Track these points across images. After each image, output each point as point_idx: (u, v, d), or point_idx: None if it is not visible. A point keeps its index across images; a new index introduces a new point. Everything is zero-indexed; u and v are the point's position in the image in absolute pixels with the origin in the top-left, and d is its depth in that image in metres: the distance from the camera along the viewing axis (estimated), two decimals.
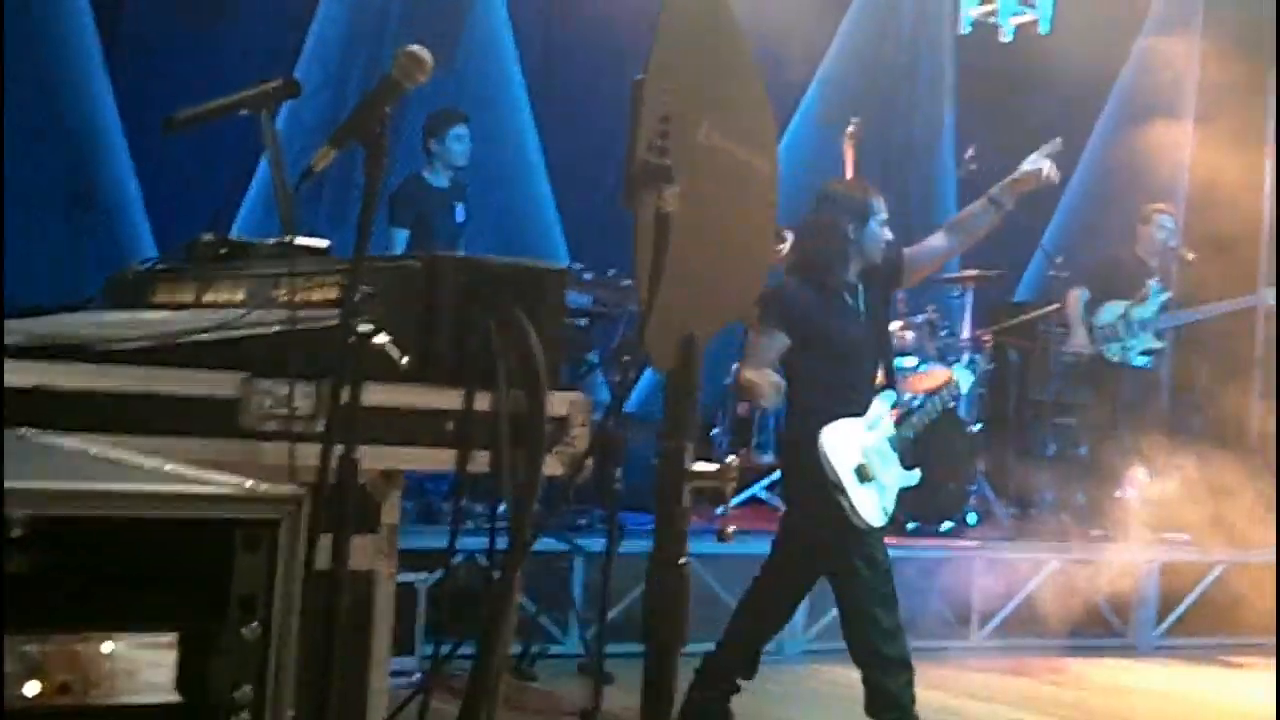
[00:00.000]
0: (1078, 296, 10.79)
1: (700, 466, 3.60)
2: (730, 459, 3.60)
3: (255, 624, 1.88)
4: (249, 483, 1.93)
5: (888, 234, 6.24)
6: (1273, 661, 8.24)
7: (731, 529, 3.99)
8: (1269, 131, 13.90)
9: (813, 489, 6.02)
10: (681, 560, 3.58)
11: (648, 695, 3.59)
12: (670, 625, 3.56)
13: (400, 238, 8.54)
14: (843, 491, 5.94)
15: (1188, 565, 10.09)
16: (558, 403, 3.16)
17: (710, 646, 6.32)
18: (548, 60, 11.47)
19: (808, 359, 6.14)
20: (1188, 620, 10.02)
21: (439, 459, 3.12)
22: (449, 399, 3.07)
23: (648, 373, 11.39)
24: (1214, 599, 10.05)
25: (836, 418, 6.05)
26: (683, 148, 3.23)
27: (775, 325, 6.00)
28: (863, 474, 6.03)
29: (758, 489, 9.69)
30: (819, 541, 6.11)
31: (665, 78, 3.18)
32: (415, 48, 3.02)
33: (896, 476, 6.26)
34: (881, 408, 6.29)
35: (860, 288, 6.21)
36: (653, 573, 3.63)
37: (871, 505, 6.03)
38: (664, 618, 3.58)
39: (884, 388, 6.39)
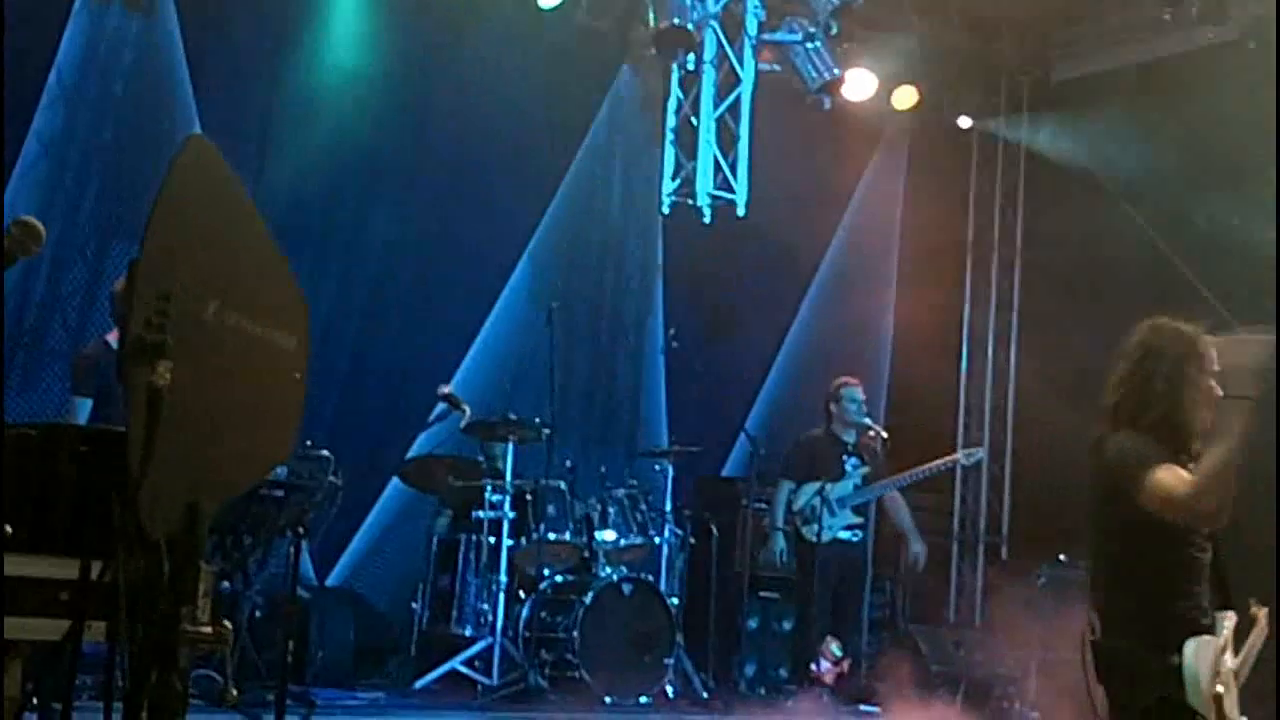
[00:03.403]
0: (783, 487, 11.07)
1: (200, 628, 3.46)
2: (226, 624, 3.51)
3: None
4: None
5: None
6: None
7: None
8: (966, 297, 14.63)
9: None
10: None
11: None
12: None
13: (83, 407, 8.28)
14: None
15: None
16: None
17: None
18: None
19: None
20: None
21: (53, 629, 3.06)
22: (64, 568, 3.03)
23: (354, 545, 11.40)
24: None
25: None
26: (186, 325, 3.24)
27: None
28: None
29: (456, 662, 9.60)
30: None
31: (165, 256, 3.21)
32: (30, 218, 3.04)
33: None
34: None
35: None
36: None
37: None
38: None
39: None
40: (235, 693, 5.68)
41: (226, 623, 3.42)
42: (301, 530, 7.82)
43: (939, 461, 11.45)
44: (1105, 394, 5.24)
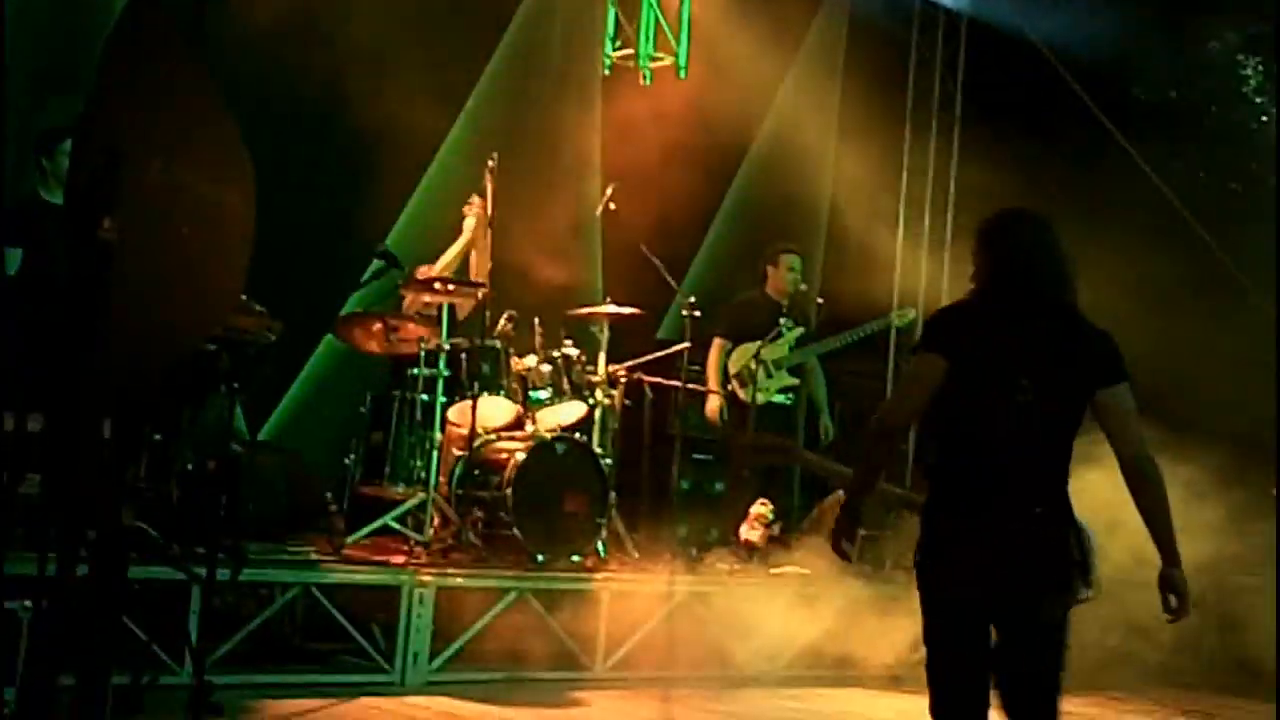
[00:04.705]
0: (719, 346, 11.14)
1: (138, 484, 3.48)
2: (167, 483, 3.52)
3: None
4: None
5: None
6: None
7: None
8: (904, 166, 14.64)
9: None
10: None
11: None
12: None
13: (13, 258, 8.14)
14: None
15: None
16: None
17: None
18: None
19: None
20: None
21: None
22: None
23: (286, 401, 11.39)
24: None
25: None
26: (132, 182, 3.19)
27: None
28: None
29: (389, 518, 9.63)
30: None
31: (112, 113, 3.16)
32: None
33: None
34: None
35: None
36: None
37: None
38: None
39: None
40: (175, 549, 5.70)
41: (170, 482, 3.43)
42: (235, 385, 7.78)
43: (873, 322, 11.56)
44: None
